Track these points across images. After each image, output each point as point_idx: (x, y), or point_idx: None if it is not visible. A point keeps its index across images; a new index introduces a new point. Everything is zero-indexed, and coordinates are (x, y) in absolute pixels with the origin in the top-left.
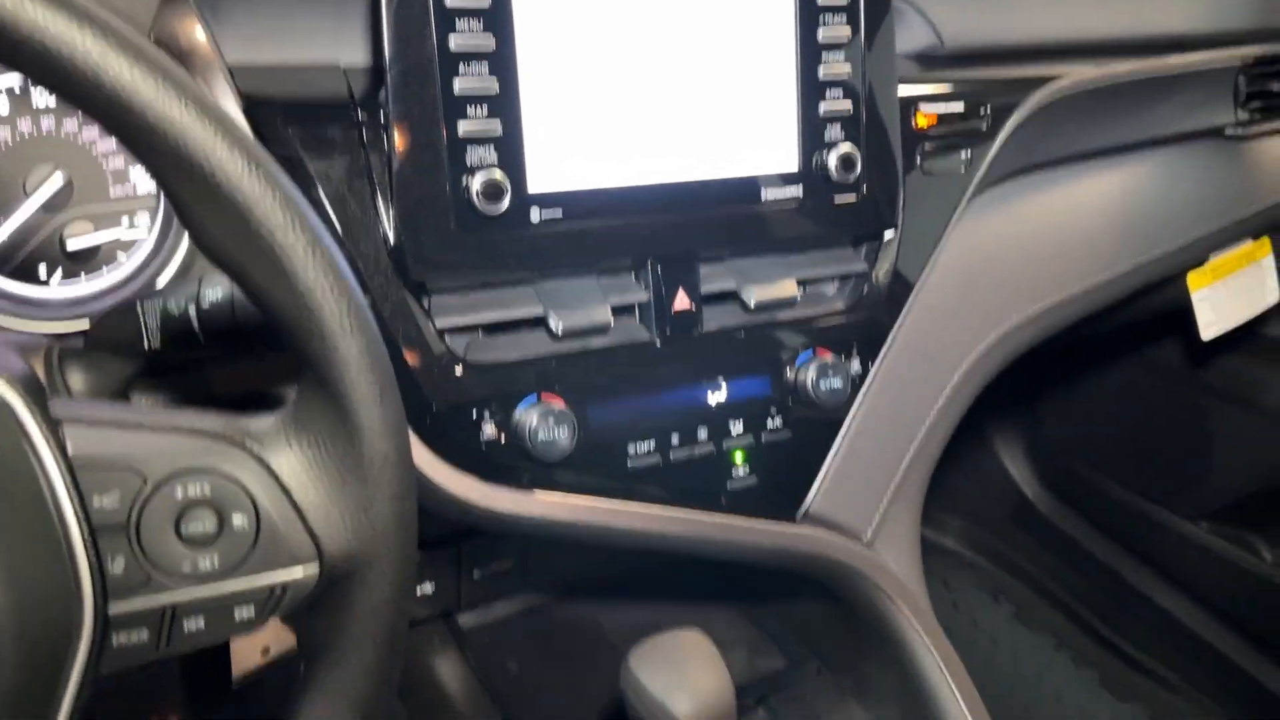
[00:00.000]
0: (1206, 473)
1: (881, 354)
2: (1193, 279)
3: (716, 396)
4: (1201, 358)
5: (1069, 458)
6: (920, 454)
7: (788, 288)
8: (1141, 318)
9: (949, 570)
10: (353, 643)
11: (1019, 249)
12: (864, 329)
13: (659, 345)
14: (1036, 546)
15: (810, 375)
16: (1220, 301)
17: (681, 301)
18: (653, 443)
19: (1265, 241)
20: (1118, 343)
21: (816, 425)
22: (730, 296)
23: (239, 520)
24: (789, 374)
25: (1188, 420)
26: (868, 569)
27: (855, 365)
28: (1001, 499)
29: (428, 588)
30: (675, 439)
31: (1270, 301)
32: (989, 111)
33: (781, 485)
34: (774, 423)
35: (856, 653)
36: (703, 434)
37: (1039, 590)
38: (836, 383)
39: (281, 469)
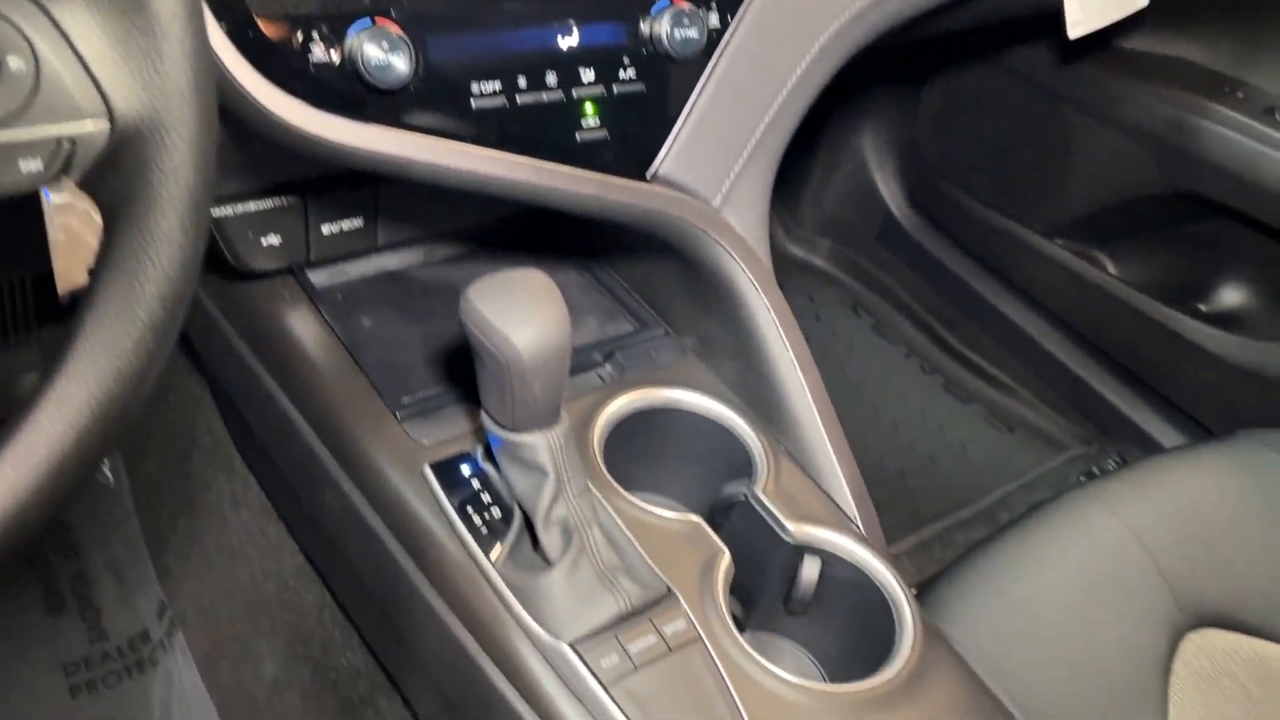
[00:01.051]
0: (1063, 189)
1: (741, 10)
2: None
3: (567, 40)
4: (1066, 68)
5: (936, 175)
6: (775, 124)
7: None
8: (1014, 14)
9: (815, 287)
10: (151, 206)
11: None
12: None
13: None
14: (900, 264)
15: (665, 24)
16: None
17: None
18: (499, 84)
19: None
20: (987, 51)
21: (671, 80)
22: None
23: (15, 63)
24: (644, 23)
25: (1049, 136)
26: (715, 230)
27: (714, 19)
28: (870, 218)
29: (274, 239)
30: (522, 82)
31: (1141, 3)
32: None
33: (633, 141)
34: (626, 74)
35: (700, 311)
36: (551, 79)
37: (898, 305)
38: (692, 33)
39: (62, 15)
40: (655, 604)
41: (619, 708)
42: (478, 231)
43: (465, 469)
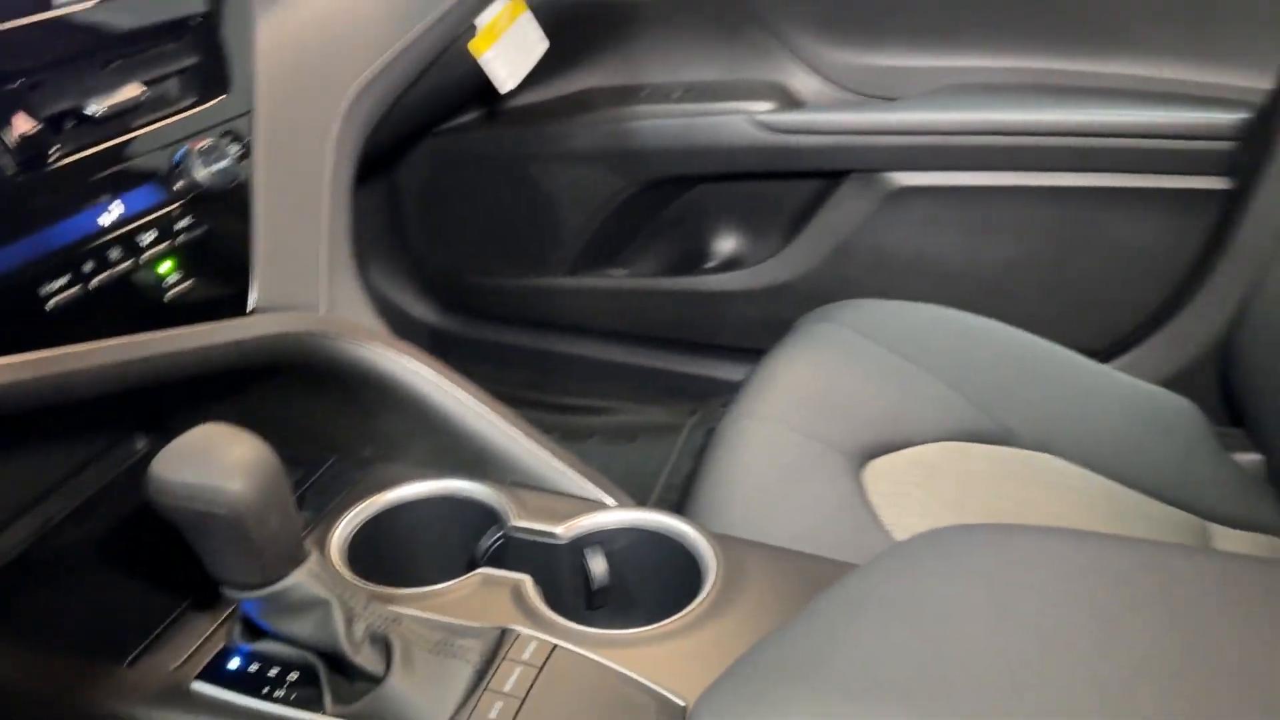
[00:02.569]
0: (560, 230)
1: (253, 123)
2: (474, 47)
3: (115, 212)
4: (514, 128)
5: (450, 270)
6: (334, 223)
7: (131, 90)
8: (457, 93)
9: None
10: None
11: (323, 29)
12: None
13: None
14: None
15: (196, 166)
16: (508, 57)
17: (23, 124)
18: (67, 277)
19: (519, 3)
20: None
21: (228, 213)
22: (71, 113)
23: None
24: (177, 172)
25: (526, 192)
26: (336, 329)
27: (234, 147)
28: (405, 324)
29: None
30: (89, 266)
31: (544, 47)
32: None
33: (221, 282)
34: (183, 223)
35: (358, 417)
36: (116, 254)
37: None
38: (224, 164)
39: None
40: (499, 644)
41: None
42: None
43: (235, 661)
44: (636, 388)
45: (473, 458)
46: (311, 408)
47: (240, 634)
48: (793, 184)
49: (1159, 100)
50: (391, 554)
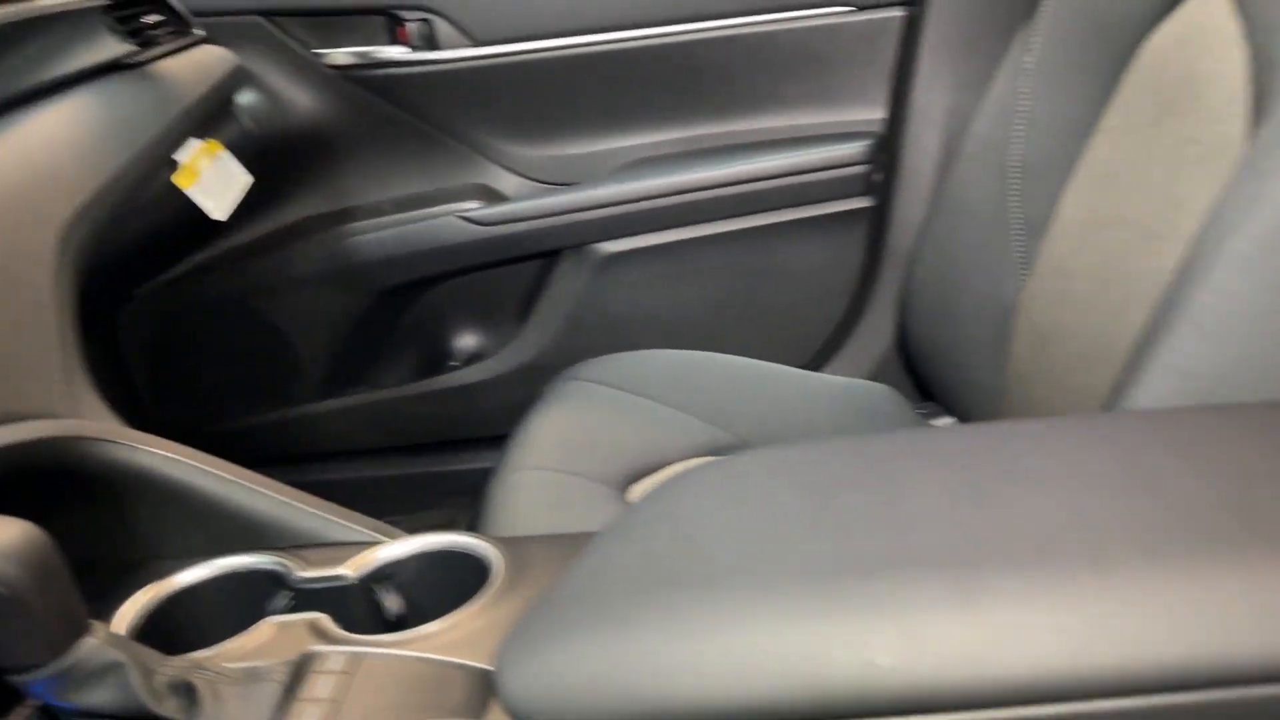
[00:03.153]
0: (308, 359)
1: None
2: (180, 180)
3: None
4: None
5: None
6: (64, 342)
7: None
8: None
9: None
10: None
11: (22, 166)
12: None
13: None
14: None
15: None
16: (214, 190)
17: None
18: None
19: (214, 143)
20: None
21: None
22: None
23: None
24: None
25: (265, 321)
26: (83, 431)
27: None
28: None
29: None
30: None
31: (247, 181)
32: None
33: None
34: None
35: (125, 517)
36: None
37: None
38: None
39: None
40: (306, 664)
41: None
42: None
43: None
44: (406, 498)
45: (250, 532)
46: (69, 518)
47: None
48: (514, 271)
49: (800, 143)
50: (181, 641)
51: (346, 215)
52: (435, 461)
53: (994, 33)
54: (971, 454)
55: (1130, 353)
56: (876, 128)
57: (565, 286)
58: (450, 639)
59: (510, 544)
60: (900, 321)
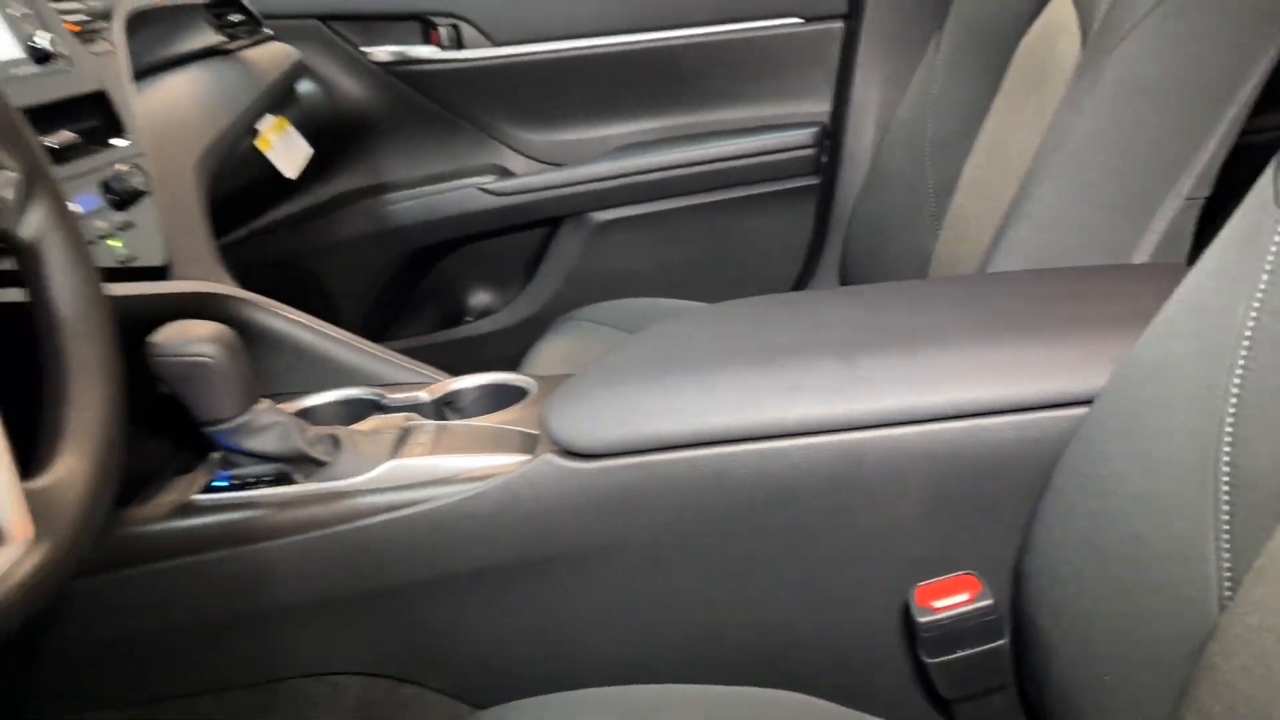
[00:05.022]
0: (327, 319)
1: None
2: (260, 144)
3: (78, 209)
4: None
5: None
6: (208, 230)
7: (67, 135)
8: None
9: None
10: None
11: (171, 110)
12: None
13: None
14: None
15: (124, 178)
16: (283, 156)
17: None
18: None
19: (283, 119)
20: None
21: (145, 212)
22: None
23: None
24: (112, 184)
25: (304, 287)
26: (227, 293)
27: (139, 173)
28: None
29: None
30: None
31: (309, 151)
32: None
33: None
34: (119, 217)
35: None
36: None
37: None
38: (139, 179)
39: None
40: (408, 430)
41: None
42: None
43: (222, 482)
44: None
45: (344, 376)
46: None
47: (219, 464)
48: (522, 237)
49: (759, 130)
50: None
51: (384, 187)
52: None
53: (916, 39)
54: (869, 294)
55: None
56: (823, 118)
57: (565, 249)
58: (505, 419)
59: (544, 379)
60: (842, 277)
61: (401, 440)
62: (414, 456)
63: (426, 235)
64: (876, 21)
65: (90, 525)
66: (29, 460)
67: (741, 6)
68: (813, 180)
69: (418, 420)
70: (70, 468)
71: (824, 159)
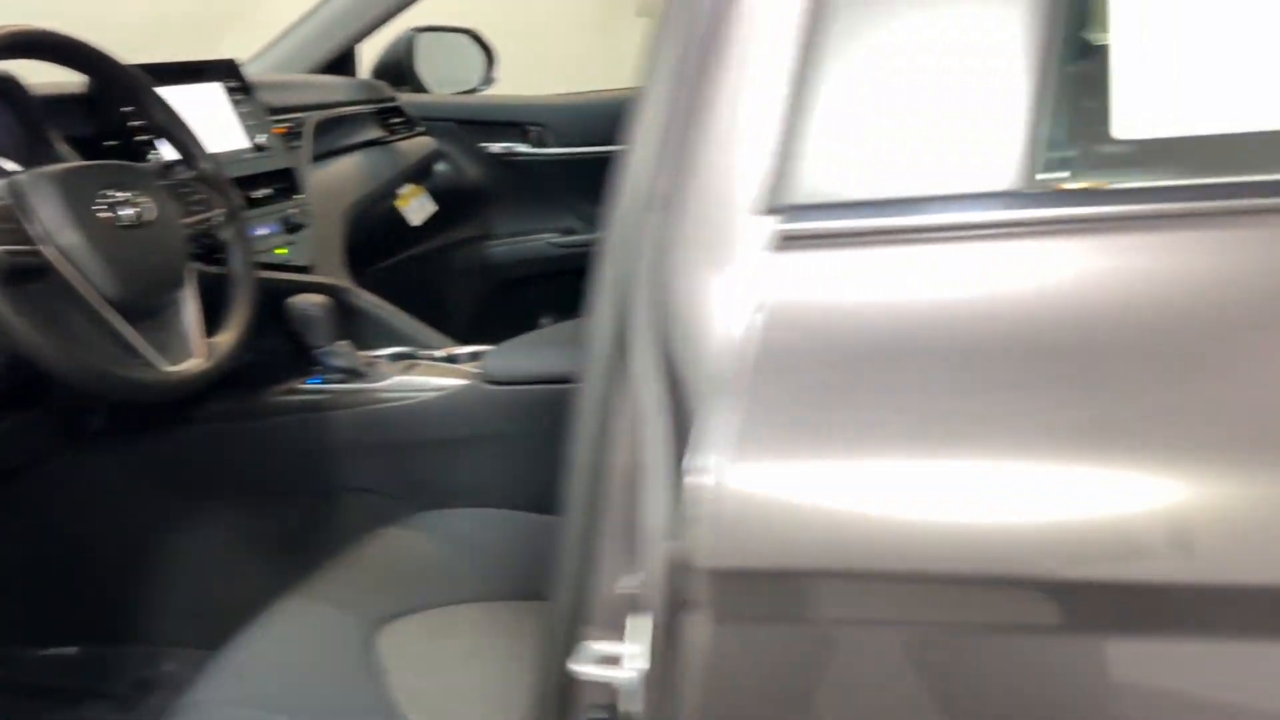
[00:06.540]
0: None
1: (308, 213)
2: (399, 204)
3: (261, 232)
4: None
5: None
6: (348, 258)
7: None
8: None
9: None
10: None
11: (332, 179)
12: None
13: None
14: None
15: (293, 217)
16: (414, 211)
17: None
18: None
19: (418, 187)
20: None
21: (303, 244)
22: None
23: None
24: (286, 221)
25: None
26: (346, 285)
27: (307, 215)
28: None
29: None
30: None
31: (433, 209)
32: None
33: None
34: (282, 239)
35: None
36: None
37: None
38: (306, 221)
39: None
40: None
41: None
42: None
43: (316, 381)
44: None
45: (401, 339)
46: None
47: (318, 373)
48: (579, 279)
49: None
50: None
51: (487, 237)
52: None
53: None
54: None
55: None
56: None
57: None
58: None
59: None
60: None
61: (408, 369)
62: (409, 376)
63: (510, 272)
64: None
65: (225, 363)
66: (211, 327)
67: None
68: None
69: (423, 361)
70: (225, 337)
71: None
